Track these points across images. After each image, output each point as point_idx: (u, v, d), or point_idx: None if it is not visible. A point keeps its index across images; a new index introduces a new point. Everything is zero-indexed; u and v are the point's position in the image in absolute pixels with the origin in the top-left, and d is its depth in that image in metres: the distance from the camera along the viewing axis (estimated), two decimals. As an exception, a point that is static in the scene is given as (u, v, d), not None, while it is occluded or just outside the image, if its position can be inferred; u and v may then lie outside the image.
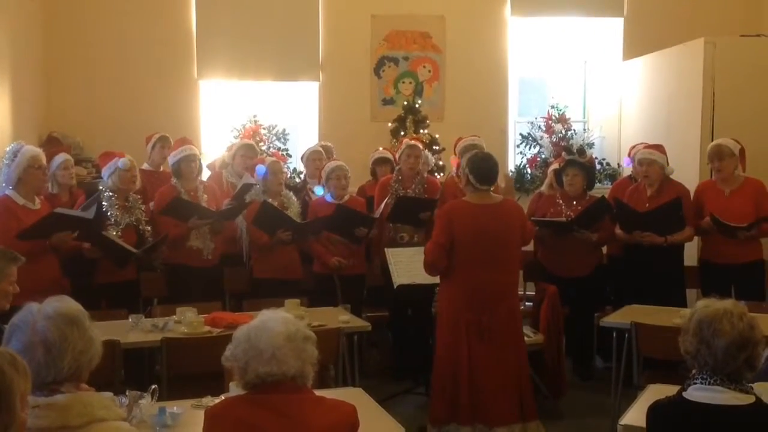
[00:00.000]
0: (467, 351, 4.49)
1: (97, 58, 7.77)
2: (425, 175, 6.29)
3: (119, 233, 5.24)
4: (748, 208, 5.57)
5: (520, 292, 6.67)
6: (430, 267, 4.63)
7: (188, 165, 5.68)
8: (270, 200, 5.76)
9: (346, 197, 6.02)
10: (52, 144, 6.89)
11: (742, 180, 5.73)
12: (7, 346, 2.17)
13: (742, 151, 5.75)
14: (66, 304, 2.28)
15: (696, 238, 6.17)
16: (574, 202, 6.07)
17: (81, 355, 2.21)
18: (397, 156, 6.35)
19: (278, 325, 2.46)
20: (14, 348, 2.15)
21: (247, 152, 6.36)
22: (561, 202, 6.12)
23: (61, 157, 5.56)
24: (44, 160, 5.14)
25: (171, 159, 5.76)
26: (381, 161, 6.70)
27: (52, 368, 2.17)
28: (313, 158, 6.68)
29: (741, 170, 5.75)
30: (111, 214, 5.27)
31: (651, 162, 5.78)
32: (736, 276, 5.56)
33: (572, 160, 6.18)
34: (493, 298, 4.51)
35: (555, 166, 6.49)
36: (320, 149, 6.81)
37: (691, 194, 5.91)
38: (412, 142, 6.38)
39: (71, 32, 7.74)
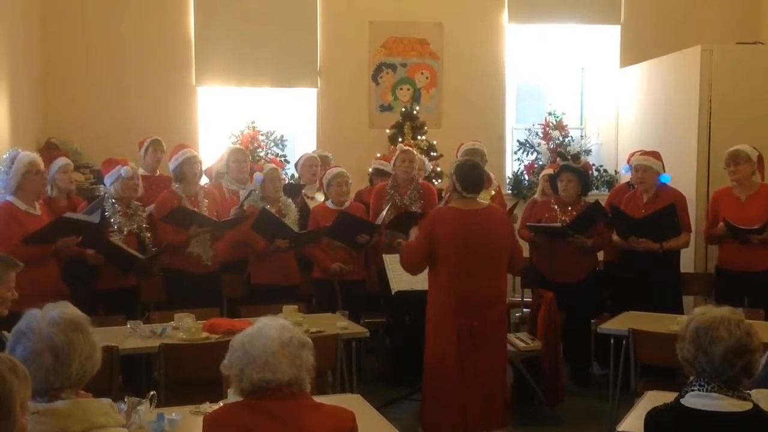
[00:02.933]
0: (458, 357, 4.50)
1: (95, 64, 7.77)
2: (420, 180, 6.30)
3: (122, 239, 5.26)
4: (763, 214, 5.56)
5: (517, 299, 6.72)
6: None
7: (191, 167, 5.69)
8: (268, 206, 5.77)
9: (347, 203, 6.04)
10: (50, 150, 6.89)
11: (758, 186, 5.72)
12: (13, 353, 2.17)
13: (760, 158, 5.75)
14: (70, 309, 2.29)
15: (693, 245, 6.19)
16: (569, 208, 6.09)
17: (87, 360, 2.22)
18: (391, 163, 6.35)
19: (273, 332, 2.47)
20: (20, 355, 2.16)
21: (239, 157, 6.37)
22: (556, 207, 6.14)
23: (60, 161, 5.57)
24: (42, 165, 5.14)
25: (172, 163, 5.76)
26: (379, 173, 6.67)
27: (60, 374, 2.17)
28: (309, 164, 6.68)
29: (759, 177, 5.75)
30: (114, 221, 5.29)
31: (646, 168, 5.82)
32: (751, 284, 5.53)
33: (567, 165, 6.19)
34: (482, 303, 4.52)
35: (548, 171, 6.50)
36: (315, 155, 6.82)
37: (692, 201, 5.93)
38: (406, 147, 6.39)
39: (69, 39, 7.75)
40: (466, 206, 4.55)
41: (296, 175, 7.77)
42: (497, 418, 4.57)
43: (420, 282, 5.22)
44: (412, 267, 4.71)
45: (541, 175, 6.71)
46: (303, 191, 6.54)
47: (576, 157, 6.52)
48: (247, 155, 6.56)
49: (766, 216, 5.55)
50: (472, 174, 4.56)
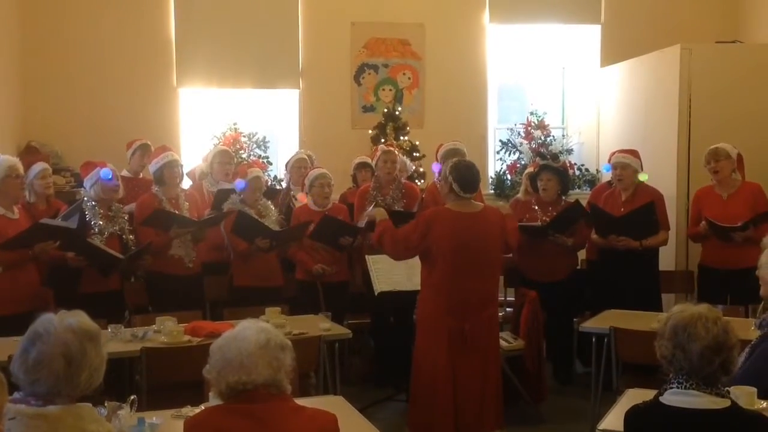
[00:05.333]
0: (449, 359, 4.50)
1: (75, 66, 7.72)
2: (403, 180, 6.31)
3: (103, 242, 5.22)
4: (745, 211, 5.61)
5: (500, 298, 6.73)
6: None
7: (171, 171, 5.66)
8: (247, 208, 5.76)
9: (329, 205, 6.04)
10: (30, 153, 6.84)
11: (739, 184, 5.77)
12: (27, 353, 2.15)
13: (739, 157, 5.80)
14: (86, 319, 2.29)
15: (674, 243, 6.23)
16: (550, 208, 6.11)
17: (95, 372, 2.22)
18: (373, 163, 6.36)
19: (250, 335, 2.47)
20: (33, 356, 2.14)
21: (224, 158, 6.39)
22: (536, 207, 6.16)
23: (38, 166, 5.53)
24: (22, 170, 5.12)
25: (153, 166, 5.73)
26: (362, 166, 6.72)
27: (70, 382, 2.16)
28: (298, 165, 6.68)
29: (739, 176, 5.79)
30: (94, 223, 5.25)
31: (625, 166, 5.86)
32: (734, 281, 5.54)
33: (546, 165, 6.22)
34: (475, 306, 4.53)
35: (530, 170, 6.53)
36: (305, 156, 6.82)
37: (670, 199, 5.97)
38: (387, 147, 6.42)
39: (49, 41, 7.69)
40: (462, 208, 4.56)
41: (279, 177, 7.78)
42: (491, 420, 4.57)
43: (403, 282, 5.24)
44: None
45: (524, 174, 6.72)
46: (291, 192, 6.55)
47: (555, 156, 6.55)
48: (232, 157, 6.56)
49: (748, 213, 5.59)
50: (469, 174, 4.58)
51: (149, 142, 6.45)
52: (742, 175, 5.84)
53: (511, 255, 6.24)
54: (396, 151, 6.42)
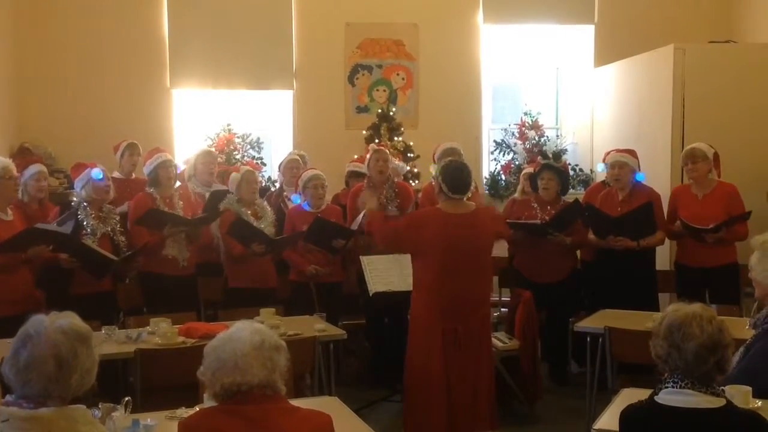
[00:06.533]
0: (443, 360, 4.49)
1: (68, 68, 7.71)
2: (395, 180, 6.30)
3: (95, 243, 5.21)
4: (719, 212, 5.66)
5: (495, 298, 6.74)
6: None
7: (166, 171, 5.66)
8: (244, 209, 5.75)
9: (323, 206, 6.03)
10: (23, 155, 6.83)
11: (715, 184, 5.81)
12: (17, 355, 2.14)
13: (716, 156, 5.84)
14: (77, 320, 2.27)
15: (668, 242, 6.24)
16: (549, 207, 6.11)
17: (86, 374, 2.20)
18: (365, 163, 6.34)
19: (245, 335, 2.46)
20: (23, 357, 2.13)
21: (207, 158, 6.41)
22: (536, 206, 6.16)
23: (35, 168, 5.53)
24: (15, 171, 5.12)
25: (147, 167, 5.73)
26: (354, 175, 6.67)
27: (61, 384, 2.14)
28: (290, 166, 6.68)
29: (716, 175, 5.84)
30: (86, 224, 5.23)
31: (623, 165, 5.86)
32: (710, 279, 5.64)
33: (548, 164, 6.23)
34: (468, 306, 4.52)
35: (529, 170, 6.52)
36: (298, 157, 6.81)
37: (665, 198, 5.99)
38: (378, 147, 6.40)
39: (43, 42, 7.68)
40: (453, 209, 4.54)
41: (273, 178, 7.78)
42: (484, 420, 4.57)
43: (397, 283, 5.23)
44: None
45: (521, 174, 6.72)
46: (284, 194, 6.53)
47: (557, 156, 6.56)
48: (215, 157, 6.58)
49: (722, 214, 5.64)
50: (458, 175, 4.56)
51: (135, 141, 6.44)
52: (718, 174, 5.88)
53: (507, 255, 6.28)
54: (388, 152, 6.41)
